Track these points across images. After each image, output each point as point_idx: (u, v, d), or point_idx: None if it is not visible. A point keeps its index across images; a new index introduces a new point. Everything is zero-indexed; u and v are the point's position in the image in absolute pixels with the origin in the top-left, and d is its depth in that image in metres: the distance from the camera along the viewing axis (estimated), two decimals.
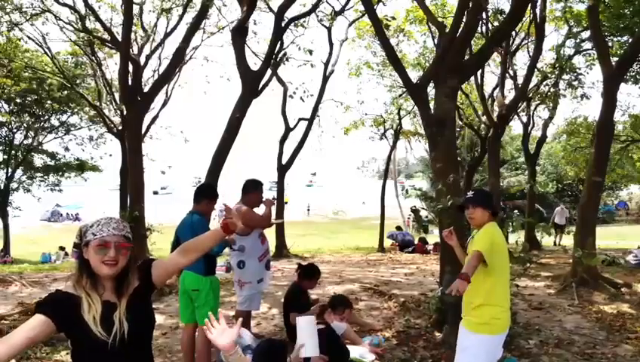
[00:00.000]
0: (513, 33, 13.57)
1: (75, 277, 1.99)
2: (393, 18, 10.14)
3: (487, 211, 3.34)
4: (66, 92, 18.98)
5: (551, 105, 17.13)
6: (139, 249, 12.37)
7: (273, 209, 5.32)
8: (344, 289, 8.40)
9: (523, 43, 15.49)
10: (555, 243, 17.45)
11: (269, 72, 12.42)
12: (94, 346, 1.89)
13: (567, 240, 15.45)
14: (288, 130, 16.17)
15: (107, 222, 2.00)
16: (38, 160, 23.11)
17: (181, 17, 14.56)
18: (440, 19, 10.44)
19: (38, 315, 1.88)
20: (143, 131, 15.04)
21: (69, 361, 5.24)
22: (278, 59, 13.57)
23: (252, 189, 5.09)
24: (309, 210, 47.94)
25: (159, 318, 6.52)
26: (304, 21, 13.40)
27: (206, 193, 4.61)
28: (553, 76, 15.54)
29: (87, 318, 1.88)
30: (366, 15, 12.10)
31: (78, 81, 18.98)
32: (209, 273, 4.45)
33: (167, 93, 17.71)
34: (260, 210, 5.23)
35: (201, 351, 4.41)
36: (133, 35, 13.89)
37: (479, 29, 12.04)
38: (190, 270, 4.42)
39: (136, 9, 13.70)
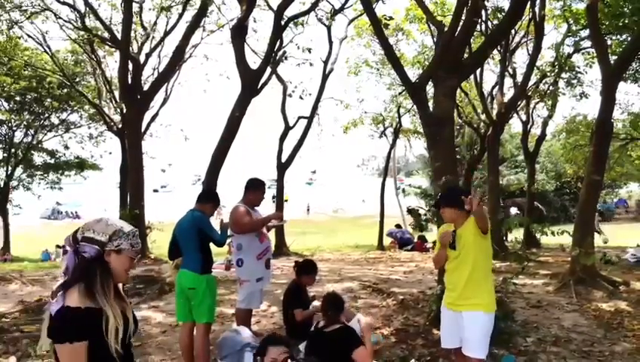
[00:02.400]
0: (512, 31, 13.58)
1: (94, 281, 1.92)
2: (391, 18, 10.12)
3: (456, 209, 3.65)
4: (65, 90, 18.98)
5: (550, 103, 17.14)
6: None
7: (274, 222, 5.37)
8: (343, 287, 8.43)
9: (522, 41, 15.49)
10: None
11: (268, 70, 12.44)
12: (105, 355, 1.88)
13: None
14: (288, 128, 16.19)
15: (136, 234, 2.03)
16: (38, 158, 23.12)
17: (181, 15, 14.59)
18: (439, 18, 10.46)
19: (82, 344, 1.84)
20: (143, 129, 15.07)
21: None
22: (277, 58, 13.58)
23: (253, 188, 5.13)
24: (308, 210, 47.75)
25: (159, 316, 6.55)
26: (303, 20, 13.41)
27: (213, 198, 4.78)
28: (552, 74, 15.54)
29: (110, 331, 1.87)
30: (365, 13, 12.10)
31: (77, 79, 18.99)
32: (205, 271, 4.48)
33: (166, 91, 17.74)
34: (262, 209, 5.27)
35: (199, 349, 4.44)
36: (132, 34, 13.93)
37: (478, 27, 12.04)
38: (186, 268, 4.45)
39: (135, 7, 13.72)
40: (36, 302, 7.18)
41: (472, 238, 3.54)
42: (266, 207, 5.58)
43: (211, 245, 4.61)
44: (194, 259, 4.42)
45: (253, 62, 11.61)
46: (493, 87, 15.83)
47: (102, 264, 1.94)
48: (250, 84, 9.88)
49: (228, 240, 5.03)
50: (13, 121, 20.68)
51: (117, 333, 1.88)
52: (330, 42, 15.88)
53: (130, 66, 12.53)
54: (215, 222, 4.85)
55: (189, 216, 4.53)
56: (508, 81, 15.59)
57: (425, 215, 24.55)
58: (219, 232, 4.62)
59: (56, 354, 1.88)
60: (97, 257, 1.94)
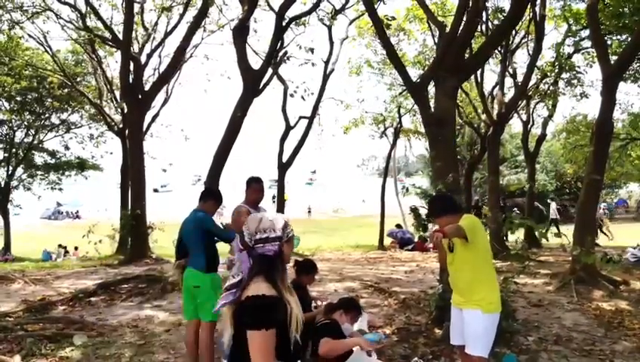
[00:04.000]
0: (513, 32, 13.59)
1: (277, 275, 1.99)
2: (393, 18, 10.15)
3: (449, 216, 3.69)
4: (66, 90, 18.98)
5: (550, 103, 17.16)
6: (141, 246, 12.48)
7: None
8: (344, 286, 8.46)
9: (523, 41, 15.51)
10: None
11: (269, 70, 12.47)
12: (283, 345, 1.90)
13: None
14: (289, 128, 16.20)
15: None
16: (39, 158, 23.14)
17: (182, 16, 14.63)
18: (440, 19, 10.49)
19: (273, 332, 1.85)
20: (144, 129, 15.09)
21: (73, 357, 5.27)
22: (278, 58, 13.61)
23: (246, 186, 5.18)
24: (309, 211, 47.44)
25: (162, 315, 6.58)
26: (305, 20, 13.43)
27: (214, 195, 4.82)
28: (553, 74, 15.56)
29: (293, 324, 1.91)
30: (366, 14, 12.12)
31: (78, 79, 19.01)
32: (210, 270, 4.52)
33: (167, 91, 17.75)
34: (262, 203, 5.30)
35: (204, 347, 4.47)
36: (134, 34, 13.95)
37: (479, 27, 12.06)
38: (192, 267, 4.51)
39: (137, 7, 13.74)
40: (39, 302, 7.22)
41: (460, 241, 3.63)
42: (266, 207, 5.60)
43: (218, 243, 4.65)
44: (199, 258, 4.49)
45: (255, 62, 11.65)
46: (494, 87, 15.85)
47: (281, 257, 2.05)
48: (252, 84, 9.91)
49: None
50: (14, 121, 20.72)
51: (298, 323, 1.92)
52: (331, 42, 15.91)
53: (132, 66, 12.56)
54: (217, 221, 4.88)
55: (193, 217, 4.57)
56: (508, 81, 15.64)
57: (426, 215, 24.51)
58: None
59: (241, 344, 1.89)
60: (279, 252, 2.05)
